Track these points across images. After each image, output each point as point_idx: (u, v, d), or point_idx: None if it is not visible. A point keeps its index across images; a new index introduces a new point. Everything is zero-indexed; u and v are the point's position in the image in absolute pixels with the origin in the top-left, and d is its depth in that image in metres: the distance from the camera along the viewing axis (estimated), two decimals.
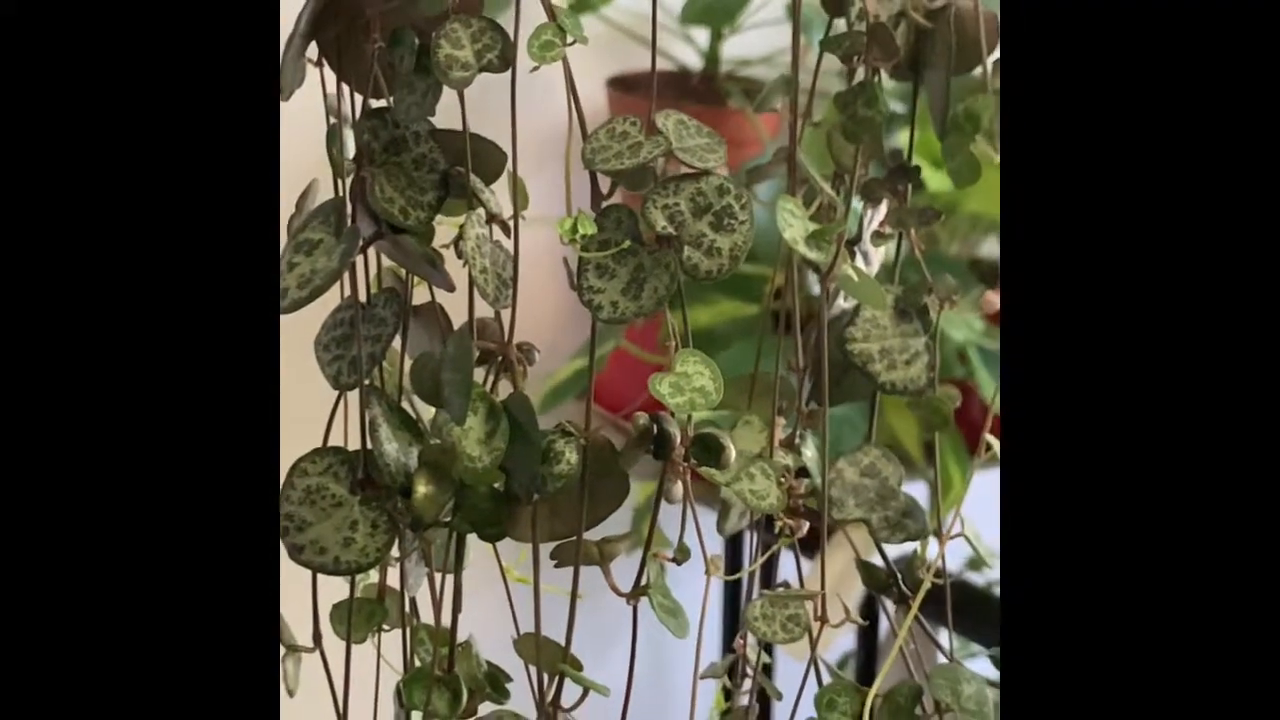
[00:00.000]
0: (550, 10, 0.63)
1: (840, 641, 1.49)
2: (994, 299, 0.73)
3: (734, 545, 1.23)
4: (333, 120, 0.72)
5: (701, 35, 1.58)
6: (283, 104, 0.69)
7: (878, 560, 0.78)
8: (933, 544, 0.77)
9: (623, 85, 1.53)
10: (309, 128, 0.75)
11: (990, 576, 1.52)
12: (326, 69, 0.71)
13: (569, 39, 0.63)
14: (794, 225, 0.67)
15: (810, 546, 0.75)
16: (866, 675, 1.40)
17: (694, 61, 1.58)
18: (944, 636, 0.81)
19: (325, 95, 0.72)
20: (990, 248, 1.53)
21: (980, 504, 0.87)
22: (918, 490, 1.27)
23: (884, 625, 1.34)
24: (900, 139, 0.79)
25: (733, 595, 1.45)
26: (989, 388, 1.38)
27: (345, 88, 0.71)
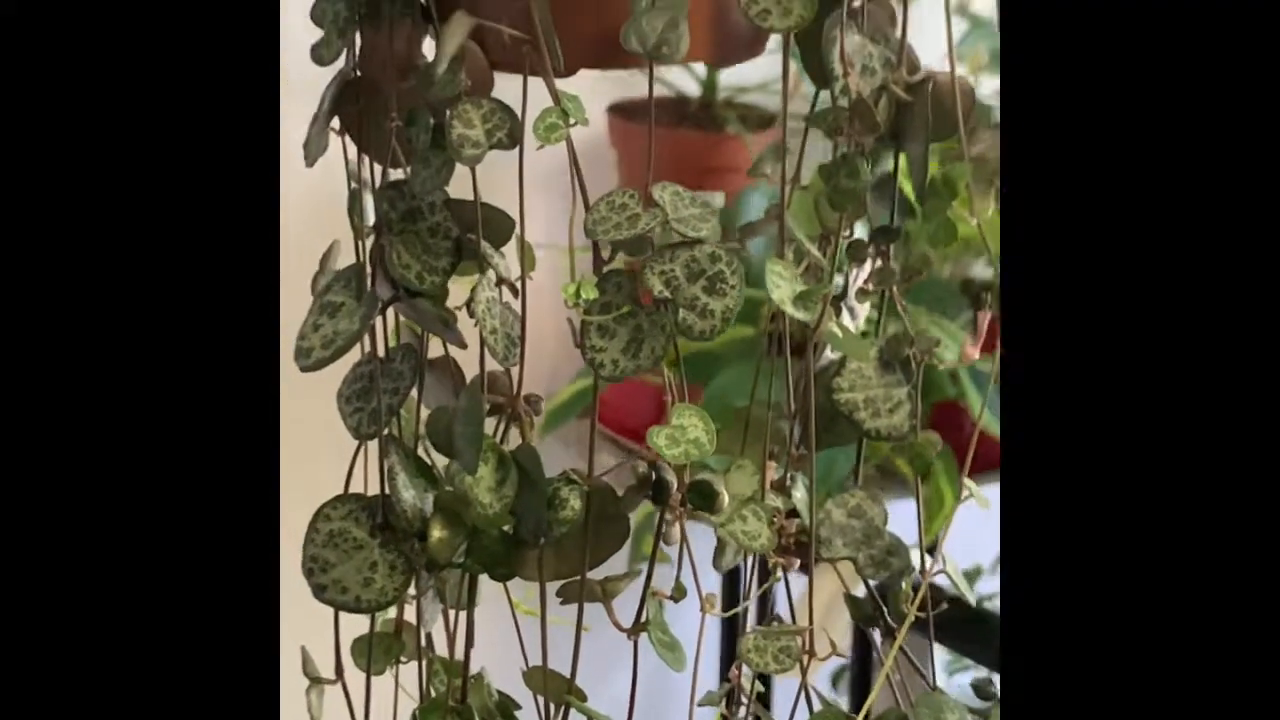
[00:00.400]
0: (555, 94, 0.68)
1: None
2: (972, 351, 0.78)
3: (732, 573, 1.27)
4: (354, 185, 0.77)
5: (699, 63, 1.62)
6: (289, 152, 0.73)
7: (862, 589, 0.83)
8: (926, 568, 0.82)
9: (623, 112, 1.57)
10: (315, 174, 0.79)
11: (981, 592, 1.57)
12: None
13: (571, 121, 0.68)
14: (781, 287, 0.72)
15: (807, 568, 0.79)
16: (861, 689, 1.45)
17: (692, 88, 1.62)
18: (932, 662, 0.86)
19: (346, 161, 0.77)
20: (981, 270, 1.58)
21: (975, 516, 0.92)
22: (910, 508, 1.32)
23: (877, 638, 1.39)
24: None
25: (729, 622, 1.50)
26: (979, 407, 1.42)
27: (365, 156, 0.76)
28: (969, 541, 1.52)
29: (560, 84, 0.69)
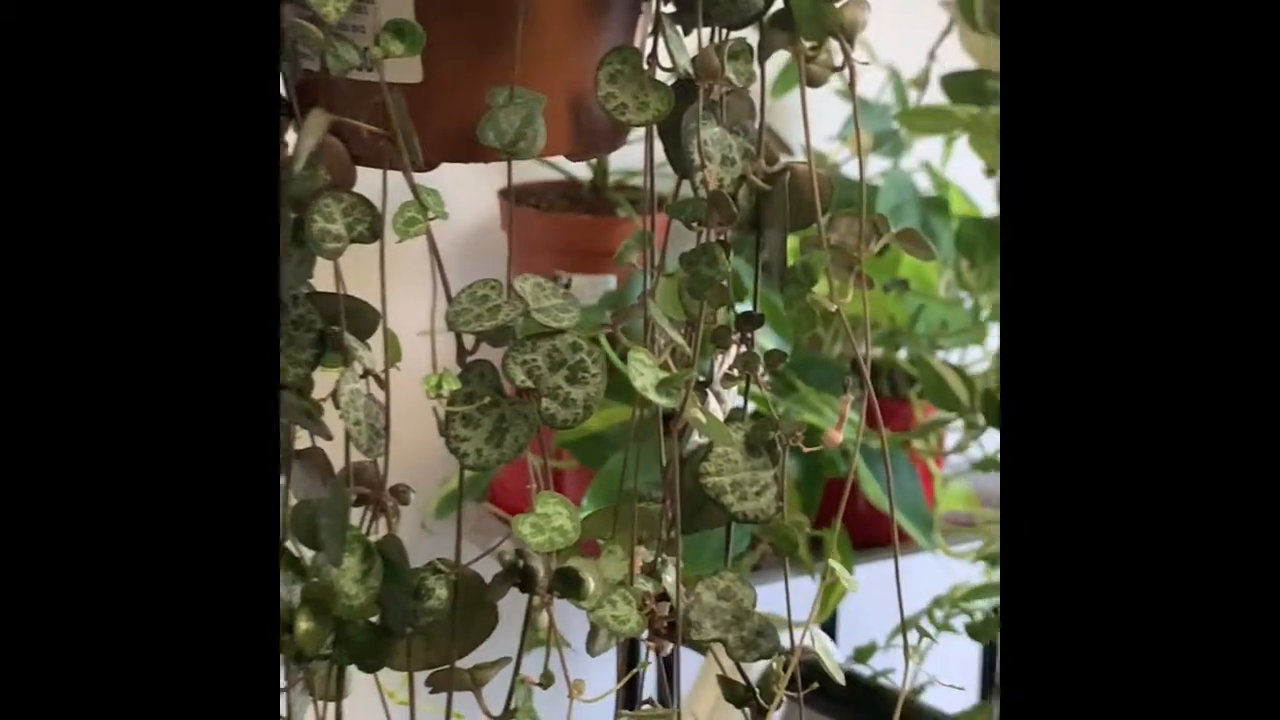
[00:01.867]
0: (414, 189, 0.69)
1: None
2: (835, 435, 0.79)
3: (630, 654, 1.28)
4: None
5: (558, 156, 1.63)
6: None
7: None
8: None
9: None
10: None
11: (877, 667, 1.58)
12: None
13: (430, 215, 0.69)
14: (644, 374, 0.73)
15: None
16: None
17: (584, 172, 1.64)
18: None
19: None
20: (869, 350, 1.60)
21: (873, 593, 0.93)
22: (804, 585, 1.33)
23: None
24: None
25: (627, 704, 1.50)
26: (870, 485, 1.44)
27: None
28: (870, 617, 1.53)
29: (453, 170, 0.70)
